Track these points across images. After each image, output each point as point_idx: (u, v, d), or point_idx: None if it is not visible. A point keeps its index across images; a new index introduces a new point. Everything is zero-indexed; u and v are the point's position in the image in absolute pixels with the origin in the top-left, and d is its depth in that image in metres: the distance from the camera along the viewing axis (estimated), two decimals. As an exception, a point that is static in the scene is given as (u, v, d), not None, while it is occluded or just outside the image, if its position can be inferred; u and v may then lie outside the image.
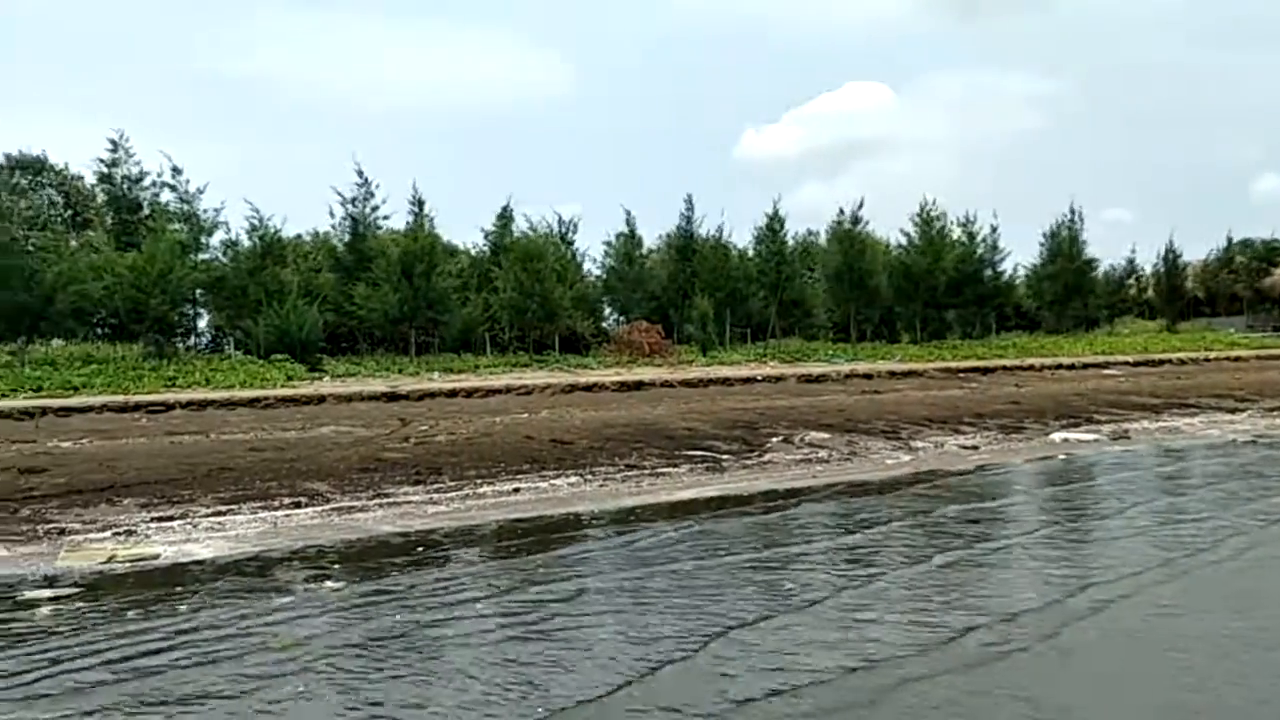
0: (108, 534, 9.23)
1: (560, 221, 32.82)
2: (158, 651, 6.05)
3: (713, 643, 6.12)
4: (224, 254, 26.33)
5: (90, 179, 30.62)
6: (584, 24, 78.74)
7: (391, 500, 10.99)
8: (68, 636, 6.34)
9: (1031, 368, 27.33)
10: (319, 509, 10.50)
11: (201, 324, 28.11)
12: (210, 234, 26.64)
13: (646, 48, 79.90)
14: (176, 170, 26.47)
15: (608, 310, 33.90)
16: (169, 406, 16.54)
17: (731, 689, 5.38)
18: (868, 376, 24.09)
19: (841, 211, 34.35)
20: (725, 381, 22.39)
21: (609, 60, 79.32)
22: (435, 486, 11.69)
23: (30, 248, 24.38)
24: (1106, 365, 28.79)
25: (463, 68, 74.24)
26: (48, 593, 7.32)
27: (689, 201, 33.53)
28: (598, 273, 33.98)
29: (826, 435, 15.65)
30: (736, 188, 74.09)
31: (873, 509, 10.66)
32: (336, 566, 8.18)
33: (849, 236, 33.73)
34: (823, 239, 38.30)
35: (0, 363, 21.27)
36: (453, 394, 19.19)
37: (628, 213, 34.31)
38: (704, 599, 7.15)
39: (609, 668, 5.72)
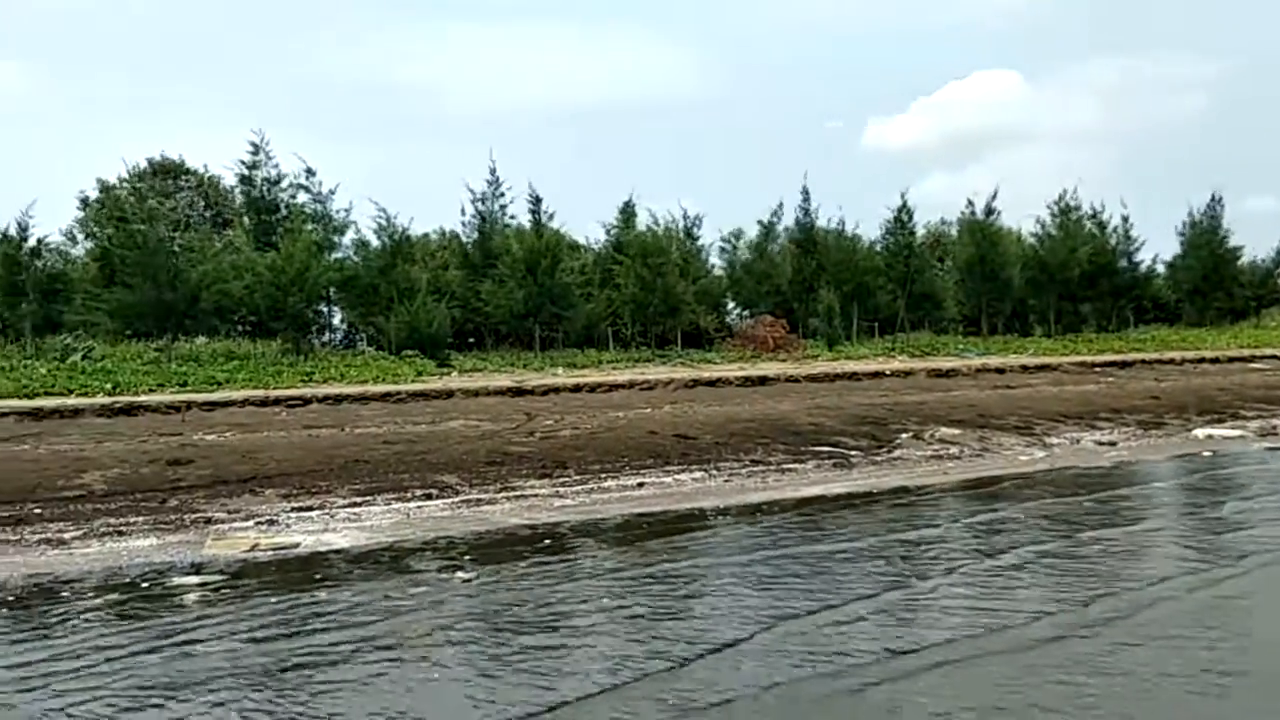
0: (250, 523, 9.58)
1: (683, 216, 32.82)
2: (298, 638, 6.25)
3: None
4: (355, 253, 27.01)
5: (230, 181, 31.81)
6: (707, 17, 78.47)
7: (518, 493, 11.16)
8: (214, 621, 6.60)
9: (1171, 361, 26.25)
10: (449, 501, 10.73)
11: (335, 321, 28.86)
12: (342, 234, 27.36)
13: (770, 40, 79.25)
14: (310, 172, 27.28)
15: (731, 305, 33.71)
16: (306, 401, 17.07)
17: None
18: (1000, 371, 23.47)
19: (971, 202, 33.55)
20: (852, 376, 22.08)
21: (732, 52, 78.91)
22: (561, 480, 11.82)
23: (175, 249, 25.42)
24: (1253, 359, 27.46)
25: (586, 65, 74.79)
26: (195, 579, 7.63)
27: (805, 193, 33.17)
28: (720, 267, 33.84)
29: (958, 431, 15.31)
30: (861, 179, 72.90)
31: (1006, 506, 10.40)
32: (467, 558, 8.34)
33: (980, 228, 32.90)
34: (953, 230, 37.39)
35: (148, 359, 22.18)
36: (576, 389, 19.37)
37: (789, 208, 33.93)
38: (831, 582, 7.08)
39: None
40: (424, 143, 68.95)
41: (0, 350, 22.74)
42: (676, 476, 12.19)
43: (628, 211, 31.72)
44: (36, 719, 5.04)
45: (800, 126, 78.96)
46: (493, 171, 29.38)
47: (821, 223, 33.16)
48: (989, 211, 33.35)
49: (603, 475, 12.14)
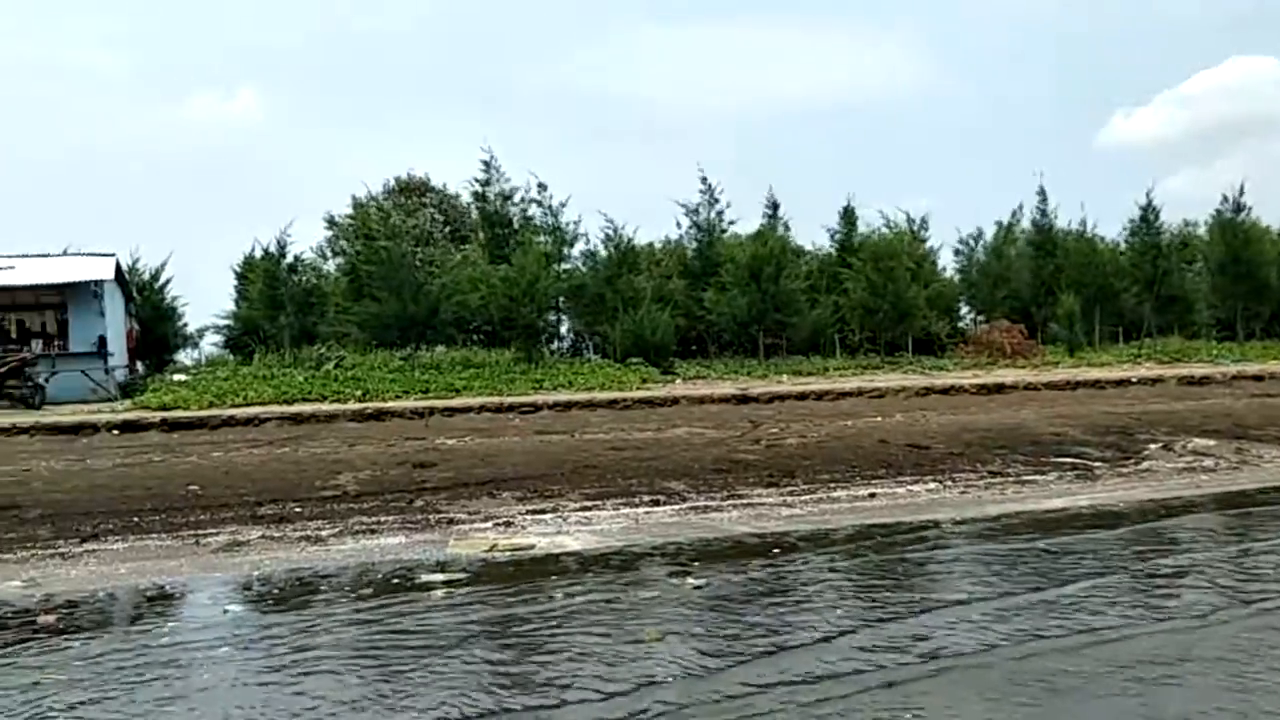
0: (489, 525, 9.92)
1: (911, 219, 32.05)
2: (536, 634, 6.41)
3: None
4: (583, 264, 27.71)
5: (466, 198, 33.26)
6: (934, 12, 76.34)
7: (746, 501, 11.12)
8: (460, 617, 6.85)
9: None
10: (677, 507, 10.79)
11: (563, 329, 29.69)
12: (571, 245, 28.15)
13: (1002, 34, 76.35)
14: (543, 186, 28.19)
15: (964, 309, 32.66)
16: (538, 408, 17.59)
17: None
18: (1258, 378, 21.74)
19: (1226, 198, 31.27)
20: (1095, 384, 20.95)
21: (959, 47, 76.48)
22: (788, 489, 11.71)
23: (418, 263, 26.78)
24: None
25: (805, 66, 74.12)
26: (440, 576, 7.96)
27: (1042, 193, 31.79)
28: (953, 270, 32.88)
29: (1212, 442, 14.29)
30: (1099, 177, 69.16)
31: (1268, 522, 9.61)
32: (696, 564, 8.36)
33: (1233, 225, 30.61)
34: (1202, 229, 35.01)
35: (394, 367, 23.43)
36: (802, 397, 19.17)
37: (1026, 208, 32.77)
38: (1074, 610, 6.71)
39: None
40: (645, 152, 70.00)
41: (262, 360, 24.49)
42: (909, 487, 11.87)
43: (849, 215, 31.23)
44: (313, 693, 5.36)
45: (1032, 123, 75.69)
46: (704, 180, 29.53)
47: (1060, 223, 31.73)
48: (1238, 208, 30.98)
49: (832, 485, 11.95)
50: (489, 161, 28.65)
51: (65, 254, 23.26)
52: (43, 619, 7.00)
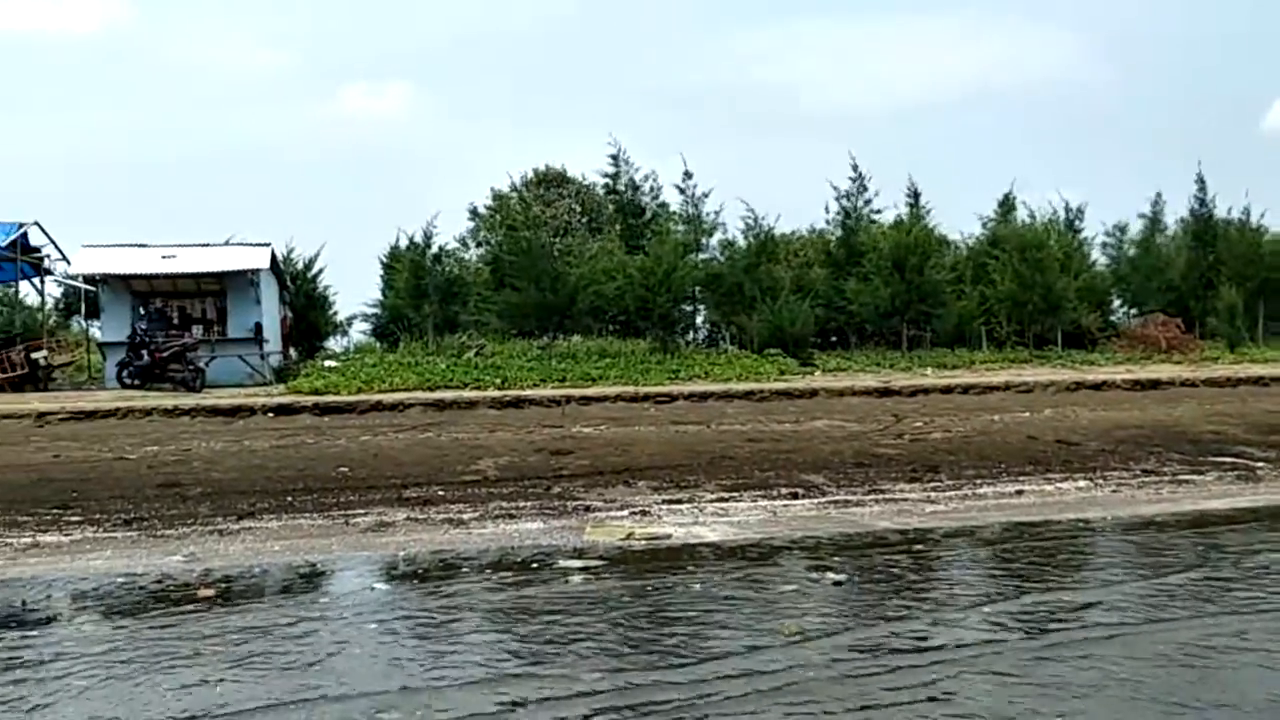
0: (625, 513, 9.94)
1: (1064, 208, 30.94)
2: (674, 624, 6.38)
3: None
4: (721, 253, 27.58)
5: (602, 188, 33.51)
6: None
7: (887, 496, 10.89)
8: (599, 604, 6.87)
9: None
10: (815, 501, 10.64)
11: (698, 320, 29.62)
12: (710, 235, 28.09)
13: (1159, 18, 73.15)
14: (688, 174, 28.20)
15: (1116, 302, 31.38)
16: (673, 398, 17.60)
17: None
18: None
19: None
20: (1258, 381, 19.90)
21: (1115, 35, 73.52)
22: (932, 485, 11.43)
23: (556, 253, 27.10)
24: None
25: (956, 55, 72.32)
26: (578, 563, 8.00)
27: (1200, 181, 30.29)
28: (1105, 262, 31.61)
29: (1391, 445, 13.39)
30: (1262, 165, 65.57)
31: None
32: (836, 559, 8.21)
33: None
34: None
35: (532, 356, 23.78)
36: (947, 390, 18.72)
37: (1183, 198, 31.42)
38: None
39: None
40: (786, 141, 69.43)
41: (407, 347, 25.14)
42: (1058, 485, 11.45)
43: (1007, 204, 30.34)
44: (457, 665, 5.45)
45: (1190, 110, 72.24)
46: (855, 168, 29.10)
47: (1220, 212, 30.21)
48: None
49: (977, 481, 11.62)
50: (617, 155, 28.81)
51: (225, 244, 24.24)
52: (202, 593, 7.28)
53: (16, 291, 27.42)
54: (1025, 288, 26.01)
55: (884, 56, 73.77)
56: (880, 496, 10.86)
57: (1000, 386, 19.07)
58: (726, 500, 10.59)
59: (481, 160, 66.01)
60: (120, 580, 7.69)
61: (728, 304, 26.49)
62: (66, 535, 9.15)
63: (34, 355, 22.13)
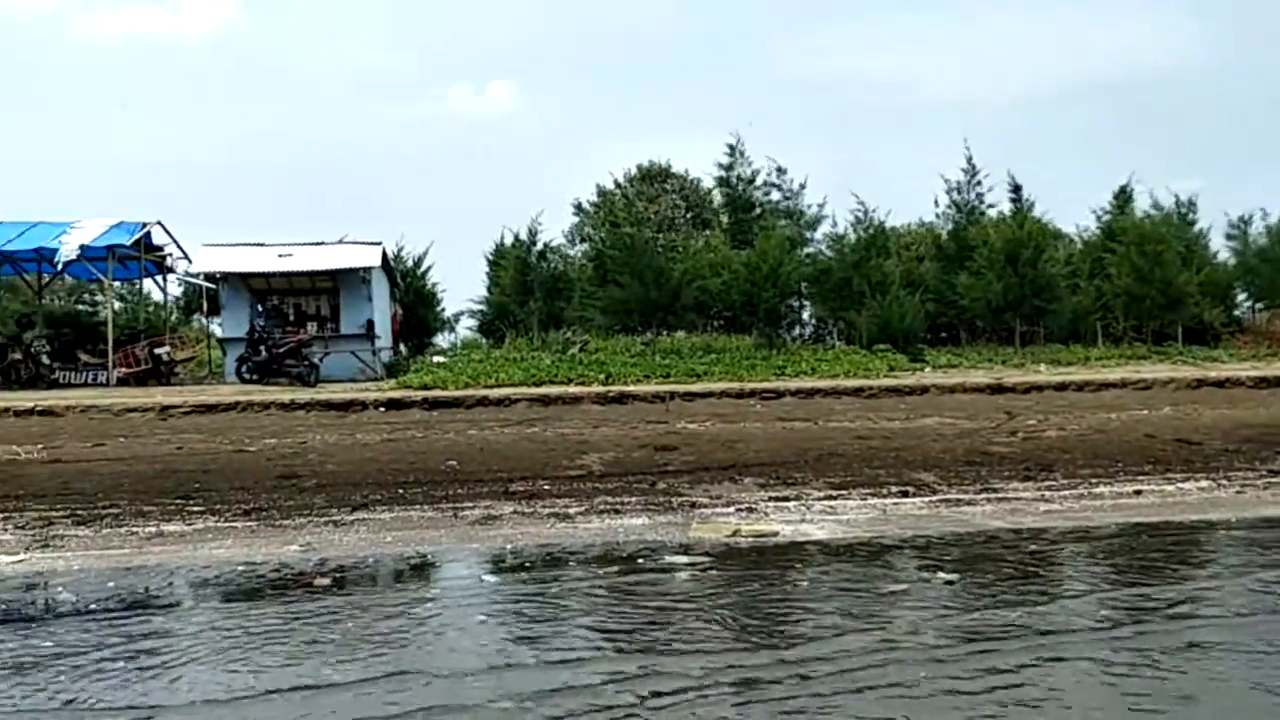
0: (731, 510, 9.88)
1: (1181, 201, 29.84)
2: (783, 622, 6.31)
3: None
4: (828, 247, 27.29)
5: (709, 182, 33.41)
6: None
7: (1000, 495, 10.63)
8: (705, 599, 6.84)
9: None
10: (926, 499, 10.44)
11: (805, 315, 29.34)
12: (813, 228, 27.81)
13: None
14: (781, 170, 28.01)
15: (1241, 296, 30.13)
16: (779, 394, 17.46)
17: None
18: None
19: None
20: (1399, 379, 18.94)
21: (1241, 18, 70.56)
22: (1046, 484, 11.12)
23: (659, 248, 27.13)
24: None
25: (1068, 44, 70.30)
26: (684, 558, 7.98)
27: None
28: (1227, 255, 30.39)
29: None
30: None
31: None
32: (947, 559, 8.04)
33: None
34: None
35: (635, 351, 23.83)
36: (1061, 387, 18.22)
37: None
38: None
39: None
40: (897, 134, 68.29)
41: (512, 343, 25.42)
42: (1179, 485, 11.03)
43: (1123, 196, 29.39)
44: (566, 654, 5.47)
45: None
46: (969, 160, 28.52)
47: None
48: None
49: (1093, 480, 11.27)
50: (735, 145, 28.66)
51: (339, 243, 24.82)
52: (318, 581, 7.46)
53: (141, 289, 28.44)
54: (1143, 282, 25.16)
55: (995, 47, 72.07)
56: (993, 495, 10.61)
57: (1117, 384, 18.49)
58: (835, 498, 10.46)
59: (586, 157, 66.47)
60: (240, 568, 7.91)
61: (835, 299, 26.16)
62: (189, 525, 9.45)
63: (157, 351, 23.00)
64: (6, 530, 9.30)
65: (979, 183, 28.55)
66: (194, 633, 6.28)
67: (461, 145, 71.91)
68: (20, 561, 8.19)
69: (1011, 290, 24.90)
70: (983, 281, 25.31)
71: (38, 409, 15.99)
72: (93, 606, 6.91)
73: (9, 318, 26.90)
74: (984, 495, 10.61)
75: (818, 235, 27.63)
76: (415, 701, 5.04)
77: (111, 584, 7.51)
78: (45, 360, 22.34)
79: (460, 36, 73.68)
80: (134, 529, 9.30)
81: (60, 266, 22.29)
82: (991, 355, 24.20)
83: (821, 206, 27.84)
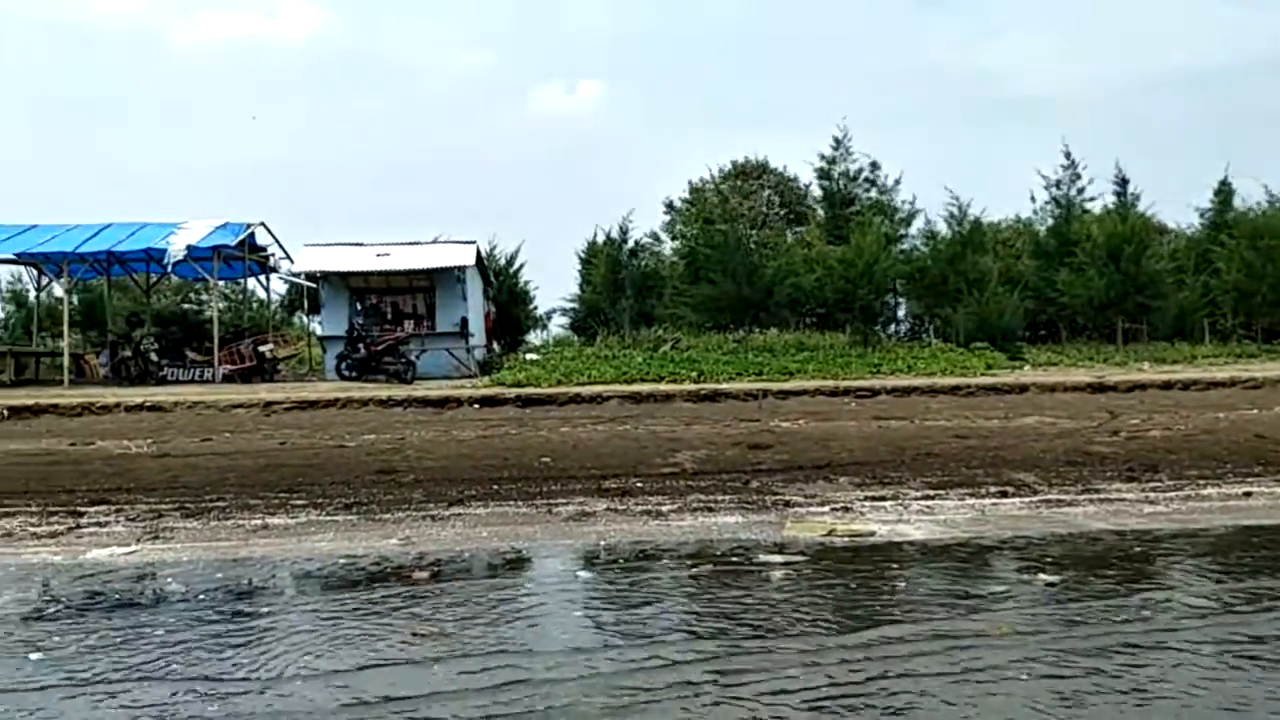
0: (826, 509, 9.81)
1: (1265, 190, 28.70)
2: (877, 622, 6.24)
3: None
4: (923, 244, 26.90)
5: (806, 179, 33.18)
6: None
7: (1102, 496, 10.38)
8: (800, 599, 6.81)
9: None
10: (1026, 500, 10.23)
11: (900, 312, 28.98)
12: (908, 224, 27.45)
13: None
14: (875, 165, 27.69)
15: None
16: (875, 392, 17.24)
17: None
18: None
19: None
20: None
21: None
22: (1150, 485, 10.83)
23: (753, 245, 27.01)
24: None
25: (1172, 32, 68.25)
26: (779, 557, 7.94)
27: None
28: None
29: None
30: None
31: None
32: (1048, 560, 7.87)
33: None
34: None
35: (728, 349, 23.74)
36: (1166, 386, 17.68)
37: None
38: None
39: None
40: (992, 129, 67.08)
41: (603, 341, 25.55)
42: (1294, 487, 10.65)
43: (1224, 190, 28.43)
44: (664, 652, 5.50)
45: None
46: (1067, 155, 27.88)
47: None
48: None
49: (1200, 481, 10.94)
50: (840, 140, 28.37)
51: (433, 242, 25.21)
52: (417, 575, 7.59)
53: (245, 288, 29.26)
54: (1254, 278, 24.30)
55: (1091, 39, 70.29)
56: (1095, 496, 10.36)
57: (1225, 382, 17.88)
58: (932, 498, 10.32)
59: (677, 154, 66.51)
60: (342, 561, 8.10)
61: (931, 296, 25.78)
62: (293, 518, 9.70)
63: (261, 348, 23.66)
64: (119, 522, 9.65)
65: (1078, 176, 27.91)
66: (299, 620, 6.49)
67: (553, 144, 72.62)
68: (132, 552, 8.49)
69: (1114, 287, 24.25)
70: (1084, 278, 24.70)
71: (147, 404, 16.52)
72: (201, 597, 7.13)
73: (119, 316, 27.87)
74: (1085, 496, 10.36)
75: (912, 231, 27.25)
76: (507, 676, 5.22)
77: (219, 575, 7.75)
78: (154, 357, 23.14)
79: (551, 35, 74.40)
80: (240, 522, 9.57)
81: (168, 267, 23.01)
82: (1093, 353, 23.61)
83: (912, 202, 27.51)
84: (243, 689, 5.28)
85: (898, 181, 27.76)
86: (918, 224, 27.33)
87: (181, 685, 5.35)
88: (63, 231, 23.24)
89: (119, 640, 6.10)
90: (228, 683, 5.37)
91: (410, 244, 24.58)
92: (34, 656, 5.82)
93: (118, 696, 5.19)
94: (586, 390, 17.66)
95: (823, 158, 28.65)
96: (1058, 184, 27.95)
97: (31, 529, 9.37)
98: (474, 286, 24.55)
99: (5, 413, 15.90)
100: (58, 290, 26.54)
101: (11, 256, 23.74)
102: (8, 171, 58.48)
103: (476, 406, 16.57)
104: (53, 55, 70.02)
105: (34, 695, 5.22)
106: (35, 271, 26.51)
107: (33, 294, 28.19)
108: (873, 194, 27.96)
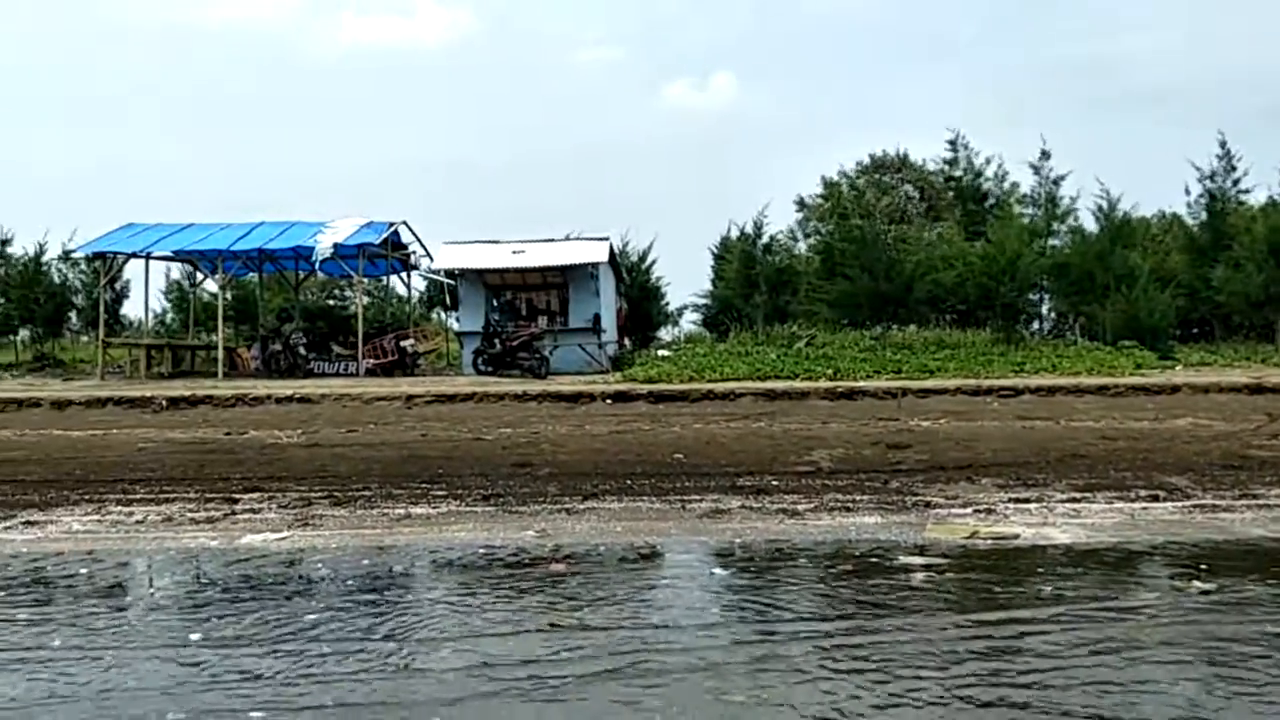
0: (968, 511, 9.57)
1: None
2: (1023, 626, 6.06)
3: None
4: (1069, 239, 26.03)
5: (942, 174, 32.45)
6: None
7: (1262, 501, 9.90)
8: (943, 600, 6.67)
9: None
10: (1178, 504, 9.82)
11: (1044, 309, 28.08)
12: (1062, 220, 26.58)
13: None
14: (1045, 154, 26.85)
15: None
16: (1018, 391, 16.76)
17: None
18: None
19: None
20: None
21: None
22: (1316, 491, 10.27)
23: (890, 240, 26.53)
24: None
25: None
26: (919, 559, 7.78)
27: None
28: None
29: None
30: None
31: None
32: (1203, 567, 7.51)
33: None
34: None
35: (864, 346, 23.35)
36: (1334, 387, 16.74)
37: None
38: None
39: None
40: (1146, 120, 64.53)
41: (736, 337, 25.43)
42: None
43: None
44: (803, 650, 5.46)
45: None
46: (1222, 145, 26.61)
47: None
48: None
49: (1372, 488, 10.32)
50: (955, 140, 27.79)
51: (566, 239, 25.51)
52: (554, 567, 7.69)
53: (387, 285, 30.06)
54: None
55: (1240, 25, 66.92)
56: (1253, 501, 9.87)
57: (1399, 383, 16.83)
58: (1079, 500, 9.98)
59: (810, 148, 65.84)
60: (481, 551, 8.26)
61: (1076, 293, 24.89)
62: (434, 508, 9.94)
63: (402, 344, 24.31)
64: (271, 509, 10.03)
65: (1233, 168, 26.60)
66: (444, 604, 6.70)
67: (684, 139, 72.77)
68: (284, 539, 8.82)
69: (1275, 283, 23.03)
70: (1241, 274, 23.52)
71: (296, 396, 17.14)
72: (349, 582, 7.38)
73: (270, 312, 29.00)
74: (1243, 501, 9.89)
75: (1063, 227, 26.37)
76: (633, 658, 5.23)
77: (365, 561, 7.99)
78: (302, 351, 24.04)
79: (681, 30, 74.42)
80: (384, 510, 9.86)
81: (316, 264, 23.82)
82: (1250, 353, 22.49)
83: (1075, 198, 26.66)
84: (384, 655, 5.55)
85: (1063, 177, 26.90)
86: (1071, 219, 26.46)
87: (331, 651, 5.67)
88: (217, 230, 24.31)
89: (272, 620, 6.36)
90: (371, 652, 5.66)
91: (545, 241, 24.92)
92: (194, 636, 6.09)
93: (266, 660, 5.48)
94: (719, 387, 17.62)
95: (943, 161, 28.09)
96: (1211, 176, 26.68)
97: (190, 515, 9.82)
98: (607, 283, 24.75)
99: (164, 403, 16.70)
100: (212, 286, 27.74)
101: (170, 254, 24.94)
102: (164, 173, 61.47)
103: (609, 402, 16.70)
104: (191, 59, 73.17)
105: (193, 669, 5.46)
106: (191, 268, 27.80)
107: (189, 290, 29.56)
108: (1029, 185, 27.15)
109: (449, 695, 5.07)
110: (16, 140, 64.03)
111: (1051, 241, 25.75)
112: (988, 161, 29.19)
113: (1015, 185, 28.27)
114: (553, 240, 25.21)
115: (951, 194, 30.16)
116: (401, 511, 9.79)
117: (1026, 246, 23.77)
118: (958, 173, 28.22)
